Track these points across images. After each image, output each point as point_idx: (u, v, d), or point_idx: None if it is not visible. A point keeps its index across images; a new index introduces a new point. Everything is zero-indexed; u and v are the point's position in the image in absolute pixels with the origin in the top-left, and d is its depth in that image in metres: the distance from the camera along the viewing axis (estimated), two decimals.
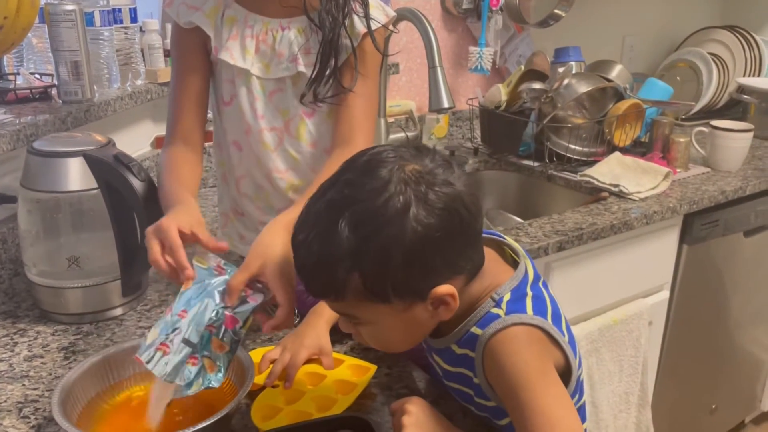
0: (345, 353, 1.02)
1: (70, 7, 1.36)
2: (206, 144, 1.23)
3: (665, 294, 1.85)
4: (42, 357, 1.02)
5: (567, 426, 0.72)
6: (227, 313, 0.84)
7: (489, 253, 0.82)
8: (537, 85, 1.90)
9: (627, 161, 1.82)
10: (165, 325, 0.82)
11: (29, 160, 1.09)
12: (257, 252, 0.86)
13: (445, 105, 1.55)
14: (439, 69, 1.55)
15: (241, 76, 1.11)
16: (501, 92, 1.97)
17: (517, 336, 0.75)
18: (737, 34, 2.50)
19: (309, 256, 0.73)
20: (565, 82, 1.88)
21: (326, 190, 0.74)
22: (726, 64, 2.46)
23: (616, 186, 1.73)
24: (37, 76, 1.51)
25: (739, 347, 2.16)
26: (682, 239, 1.81)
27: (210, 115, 1.16)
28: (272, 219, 0.94)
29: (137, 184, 1.05)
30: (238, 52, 1.09)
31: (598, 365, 1.69)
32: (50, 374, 0.98)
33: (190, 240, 0.87)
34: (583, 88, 1.87)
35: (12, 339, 1.07)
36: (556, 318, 0.80)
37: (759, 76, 2.47)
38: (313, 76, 1.07)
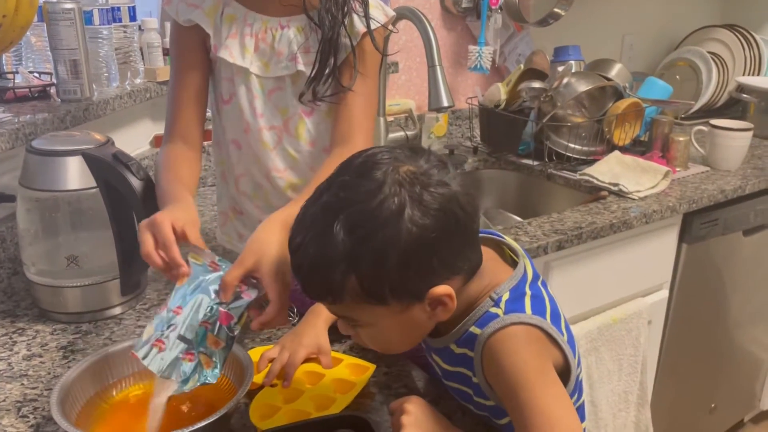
0: (344, 352, 1.02)
1: (68, 6, 1.36)
2: (205, 143, 1.23)
3: (664, 293, 1.85)
4: (41, 356, 1.02)
5: (566, 425, 0.72)
6: (222, 309, 0.84)
7: (488, 253, 0.81)
8: (536, 84, 1.90)
9: (626, 160, 1.82)
10: (160, 321, 0.82)
11: (28, 159, 1.09)
12: (252, 248, 0.86)
13: (445, 104, 1.55)
14: (438, 68, 1.55)
15: (240, 74, 1.10)
16: (500, 91, 1.97)
17: (516, 335, 0.75)
18: (737, 33, 2.50)
19: (305, 259, 0.73)
20: (565, 81, 1.88)
21: (322, 193, 0.74)
22: (726, 63, 2.46)
23: (616, 185, 1.73)
24: (36, 74, 1.50)
25: (739, 346, 2.16)
26: (682, 238, 1.81)
27: (209, 114, 1.16)
28: None
29: (136, 183, 1.04)
30: (237, 50, 1.09)
31: (598, 364, 1.69)
32: (49, 373, 0.97)
33: (180, 238, 0.87)
34: (582, 87, 1.87)
35: (11, 338, 1.07)
36: (555, 317, 0.80)
37: (759, 75, 2.47)
38: (312, 74, 1.07)
